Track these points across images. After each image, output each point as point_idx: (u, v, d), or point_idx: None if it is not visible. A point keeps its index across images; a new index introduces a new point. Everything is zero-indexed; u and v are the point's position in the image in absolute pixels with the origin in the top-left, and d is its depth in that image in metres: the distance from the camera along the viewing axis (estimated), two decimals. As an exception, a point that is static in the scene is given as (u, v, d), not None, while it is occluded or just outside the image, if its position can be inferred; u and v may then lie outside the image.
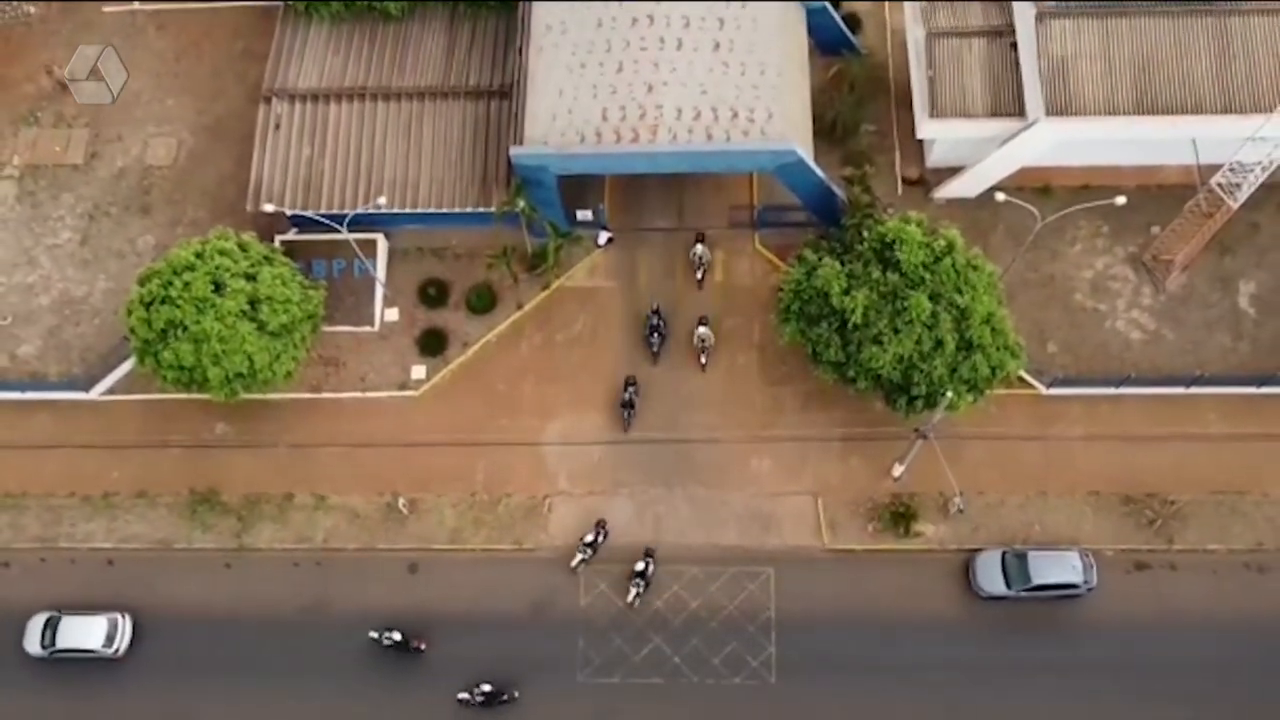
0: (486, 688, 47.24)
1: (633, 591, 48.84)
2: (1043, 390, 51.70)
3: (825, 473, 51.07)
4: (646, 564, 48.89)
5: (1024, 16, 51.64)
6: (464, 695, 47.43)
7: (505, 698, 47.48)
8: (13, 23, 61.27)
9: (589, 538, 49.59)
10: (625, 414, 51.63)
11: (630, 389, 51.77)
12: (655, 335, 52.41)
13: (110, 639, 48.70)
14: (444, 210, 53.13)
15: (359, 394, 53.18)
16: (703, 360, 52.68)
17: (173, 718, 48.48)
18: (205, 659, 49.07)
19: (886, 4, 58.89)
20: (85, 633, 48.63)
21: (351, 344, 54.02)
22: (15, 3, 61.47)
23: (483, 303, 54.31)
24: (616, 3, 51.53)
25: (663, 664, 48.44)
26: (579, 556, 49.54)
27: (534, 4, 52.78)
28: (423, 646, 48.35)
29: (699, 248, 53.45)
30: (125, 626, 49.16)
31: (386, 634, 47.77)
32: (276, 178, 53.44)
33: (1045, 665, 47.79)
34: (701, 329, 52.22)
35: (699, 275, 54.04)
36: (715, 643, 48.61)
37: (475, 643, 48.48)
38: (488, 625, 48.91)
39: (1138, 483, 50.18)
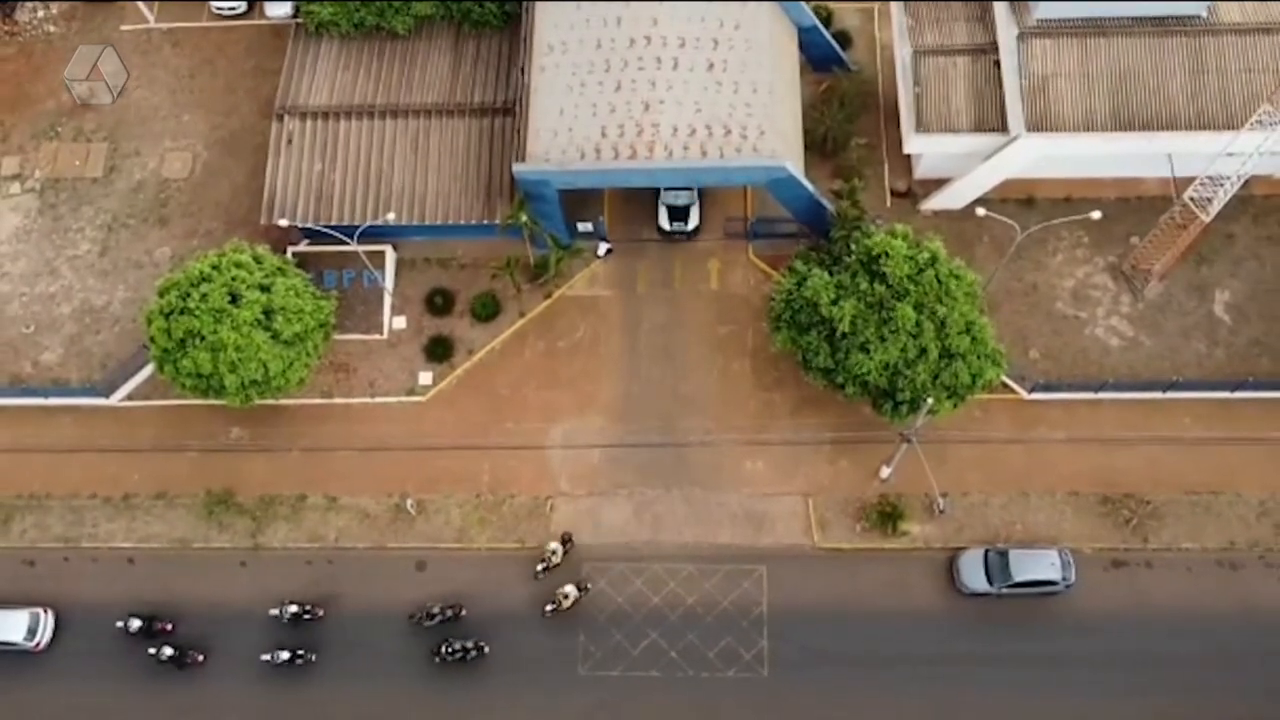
0: (169, 651, 49.47)
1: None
2: (1024, 395, 53.41)
3: (816, 474, 52.83)
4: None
5: (1007, 36, 53.48)
6: (153, 651, 49.37)
7: (189, 661, 49.67)
8: (34, 40, 63.40)
9: None
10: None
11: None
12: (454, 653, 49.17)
13: (32, 632, 50.40)
14: (450, 223, 54.92)
15: (369, 399, 55.05)
16: (548, 610, 49.99)
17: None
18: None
19: (876, 22, 60.78)
20: (5, 625, 50.33)
21: (361, 351, 55.90)
22: (34, 3, 63.61)
23: (487, 311, 56.09)
24: (615, 25, 53.35)
25: (660, 658, 50.18)
26: None
27: (536, 25, 54.61)
28: (169, 628, 50.51)
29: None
30: (47, 621, 50.81)
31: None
32: (289, 192, 55.41)
33: (1025, 659, 49.50)
34: (570, 588, 49.94)
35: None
36: (710, 637, 50.36)
37: (480, 637, 50.09)
38: (493, 620, 50.64)
39: (1115, 484, 51.99)
